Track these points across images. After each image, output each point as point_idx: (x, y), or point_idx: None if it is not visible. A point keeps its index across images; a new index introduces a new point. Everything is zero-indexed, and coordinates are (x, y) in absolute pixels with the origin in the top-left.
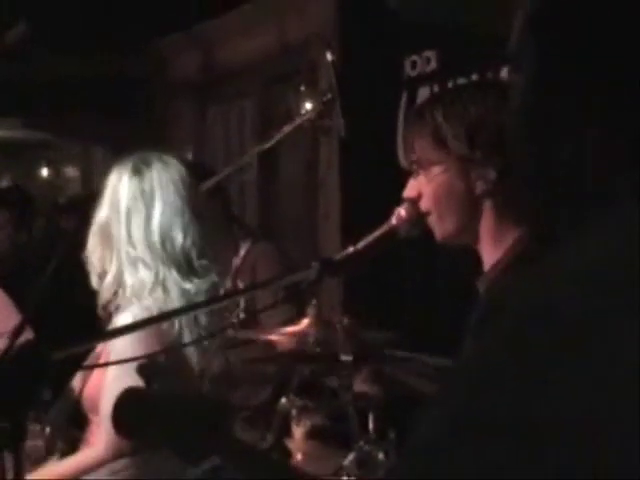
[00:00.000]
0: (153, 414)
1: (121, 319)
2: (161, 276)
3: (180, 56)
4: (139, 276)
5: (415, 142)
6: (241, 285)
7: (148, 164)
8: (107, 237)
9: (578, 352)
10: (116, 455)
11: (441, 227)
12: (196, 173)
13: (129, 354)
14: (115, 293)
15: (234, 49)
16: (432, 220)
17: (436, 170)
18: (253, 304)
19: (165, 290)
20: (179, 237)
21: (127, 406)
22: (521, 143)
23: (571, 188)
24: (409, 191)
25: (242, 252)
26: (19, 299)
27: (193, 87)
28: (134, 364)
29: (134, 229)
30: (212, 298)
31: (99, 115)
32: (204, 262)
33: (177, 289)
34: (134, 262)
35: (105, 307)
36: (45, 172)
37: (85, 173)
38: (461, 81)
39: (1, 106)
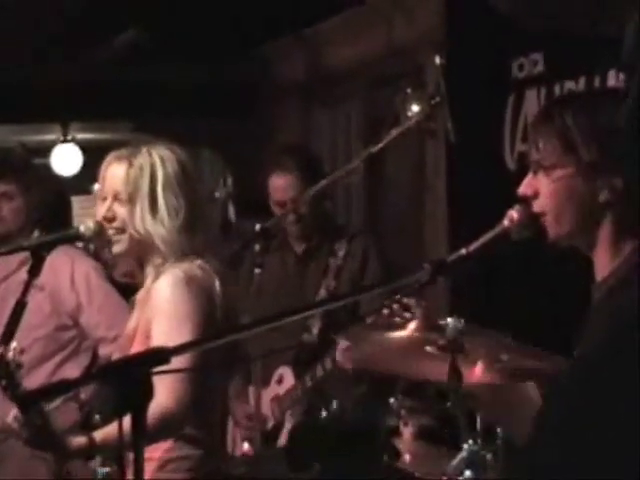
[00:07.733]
0: (326, 442)
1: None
2: None
3: (286, 59)
4: None
5: (540, 143)
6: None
7: None
8: None
9: None
10: (180, 407)
11: (556, 228)
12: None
13: (177, 309)
14: None
15: (341, 52)
16: (547, 220)
17: (560, 173)
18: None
19: None
20: None
21: (303, 437)
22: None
23: None
24: (525, 188)
25: (341, 253)
26: None
27: (299, 89)
28: (183, 316)
29: None
30: (323, 300)
31: (206, 118)
32: None
33: None
34: None
35: None
36: None
37: None
38: (571, 85)
39: (111, 110)
